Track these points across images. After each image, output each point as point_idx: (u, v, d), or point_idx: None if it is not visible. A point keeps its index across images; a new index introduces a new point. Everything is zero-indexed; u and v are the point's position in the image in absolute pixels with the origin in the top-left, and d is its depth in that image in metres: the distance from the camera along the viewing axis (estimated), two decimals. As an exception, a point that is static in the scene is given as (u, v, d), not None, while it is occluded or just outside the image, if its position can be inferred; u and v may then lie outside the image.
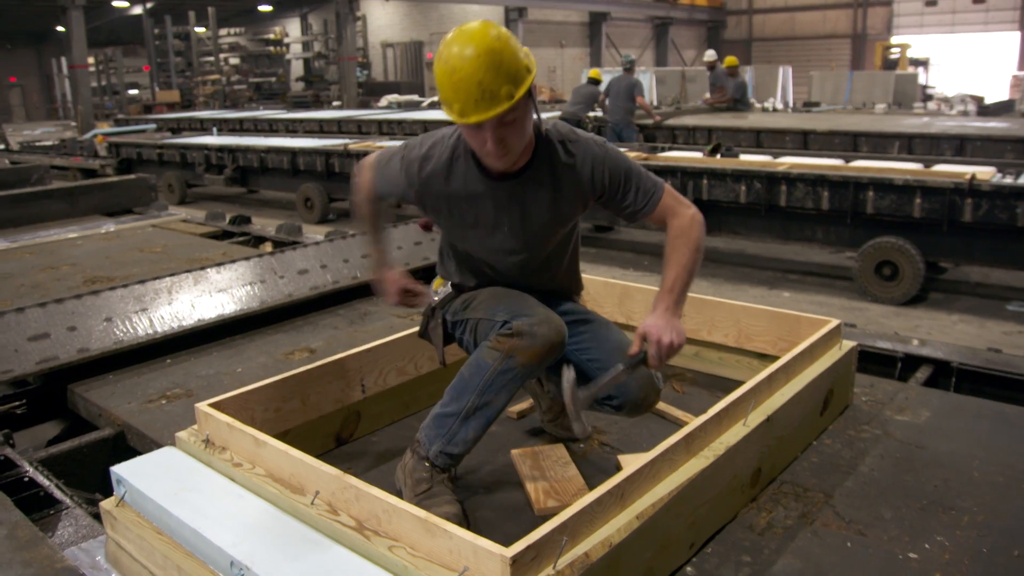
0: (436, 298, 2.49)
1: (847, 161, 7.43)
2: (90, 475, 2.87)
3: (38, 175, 8.60)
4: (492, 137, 2.04)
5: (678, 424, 2.77)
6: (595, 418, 2.80)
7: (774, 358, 2.74)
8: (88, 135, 16.06)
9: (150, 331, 3.64)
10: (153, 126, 17.78)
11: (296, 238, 5.90)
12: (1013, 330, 5.87)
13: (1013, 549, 2.02)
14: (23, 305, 3.56)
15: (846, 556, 2.02)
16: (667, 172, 7.51)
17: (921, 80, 22.72)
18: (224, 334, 3.85)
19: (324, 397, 2.68)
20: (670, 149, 8.94)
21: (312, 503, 1.96)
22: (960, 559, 1.99)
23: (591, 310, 2.56)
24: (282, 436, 2.44)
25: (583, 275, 2.66)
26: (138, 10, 29.96)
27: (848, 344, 2.84)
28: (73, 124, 23.35)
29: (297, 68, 34.42)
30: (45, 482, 2.54)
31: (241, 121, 17.24)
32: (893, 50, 28.66)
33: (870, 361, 3.42)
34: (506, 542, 1.65)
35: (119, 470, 2.22)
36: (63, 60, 28.59)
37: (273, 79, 32.13)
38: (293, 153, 10.76)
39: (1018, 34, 31.20)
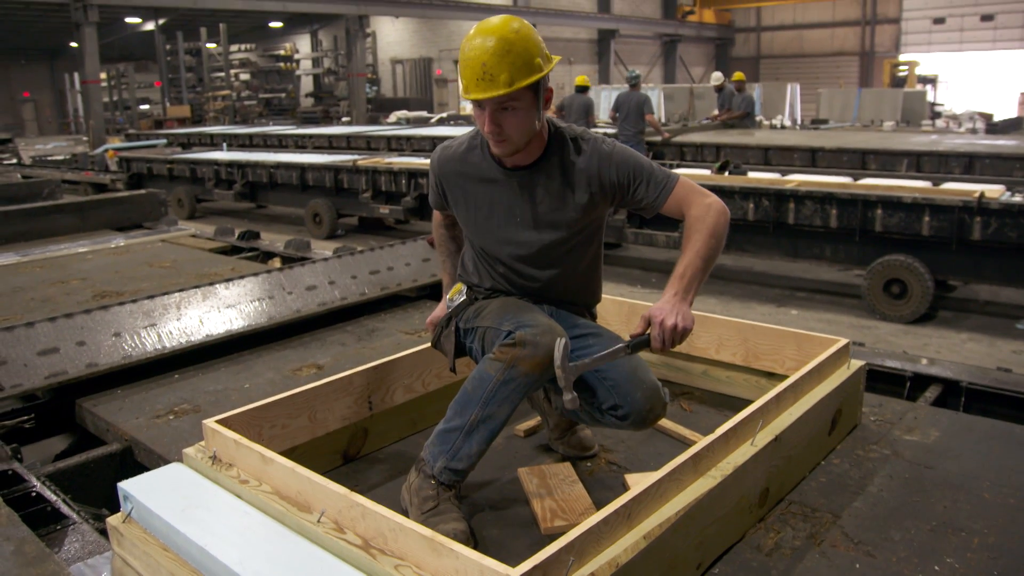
0: (452, 306, 2.50)
1: (855, 179, 7.44)
2: (97, 490, 2.87)
3: (49, 189, 8.65)
4: (489, 119, 2.18)
5: (686, 443, 2.75)
6: (602, 436, 2.80)
7: (782, 377, 2.73)
8: (99, 150, 16.17)
9: (158, 346, 3.65)
10: (164, 141, 17.90)
11: (305, 254, 5.92)
12: (1023, 349, 5.84)
13: (1024, 572, 2.00)
14: (33, 319, 3.57)
15: (855, 578, 2.00)
16: (675, 189, 7.51)
17: (929, 98, 22.73)
18: (232, 350, 3.86)
19: (331, 414, 2.68)
20: (678, 166, 8.95)
21: (318, 521, 1.96)
22: (970, 582, 1.97)
23: (602, 327, 2.56)
24: (289, 453, 2.44)
25: (608, 296, 2.68)
26: (150, 26, 30.19)
27: (857, 363, 2.83)
28: (85, 139, 23.49)
29: (307, 84, 34.64)
30: (52, 497, 2.55)
31: (251, 136, 17.34)
32: (901, 68, 28.70)
33: (879, 380, 3.41)
34: (512, 561, 1.65)
35: (126, 486, 2.22)
36: (76, 75, 28.81)
37: (283, 95, 32.31)
38: (302, 169, 10.82)
39: (1027, 52, 31.20)
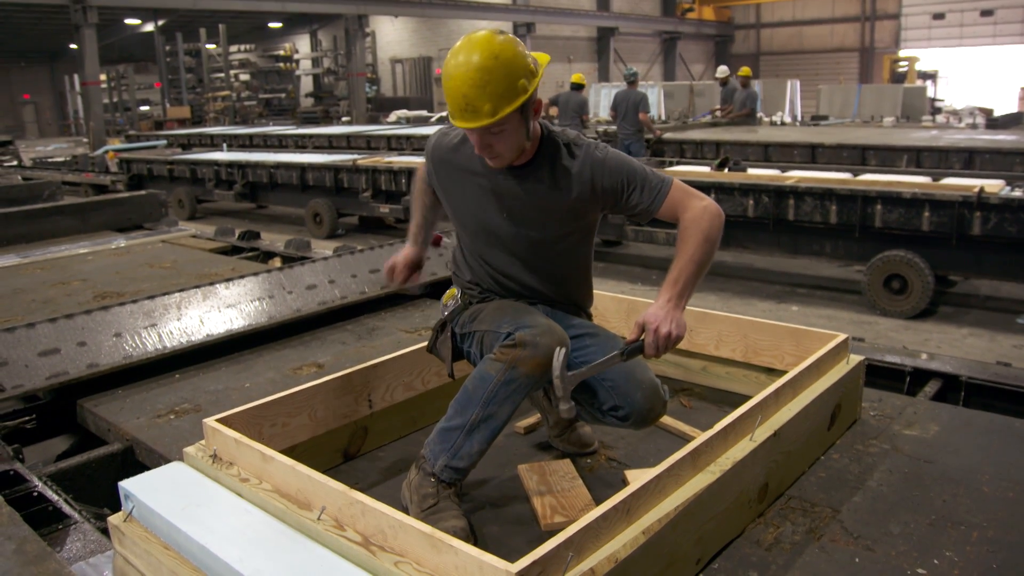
0: (446, 312, 2.51)
1: (855, 175, 7.44)
2: (99, 490, 2.87)
3: (50, 191, 8.65)
4: (478, 142, 2.19)
5: (685, 439, 2.76)
6: (602, 433, 2.80)
7: (781, 372, 2.74)
8: (99, 151, 16.19)
9: (159, 346, 3.66)
10: (164, 142, 17.91)
11: (305, 253, 5.93)
12: (1023, 344, 5.84)
13: (1023, 565, 2.01)
14: (34, 320, 3.58)
15: (854, 572, 2.01)
16: (675, 186, 7.51)
17: (929, 93, 22.69)
18: (232, 349, 3.86)
19: (331, 412, 2.68)
20: (678, 163, 8.95)
21: (319, 518, 1.97)
22: (970, 575, 1.97)
23: (598, 325, 2.57)
24: (289, 451, 2.45)
25: (604, 292, 2.68)
26: (150, 27, 30.22)
27: (856, 358, 2.83)
28: (85, 140, 23.52)
29: (307, 84, 34.65)
30: (54, 497, 2.55)
31: (251, 137, 17.35)
32: (901, 63, 28.68)
33: (878, 375, 3.41)
34: (512, 557, 1.65)
35: (127, 485, 2.23)
36: (76, 77, 28.84)
37: (283, 95, 32.32)
38: (302, 168, 10.82)
39: (1027, 47, 31.16)
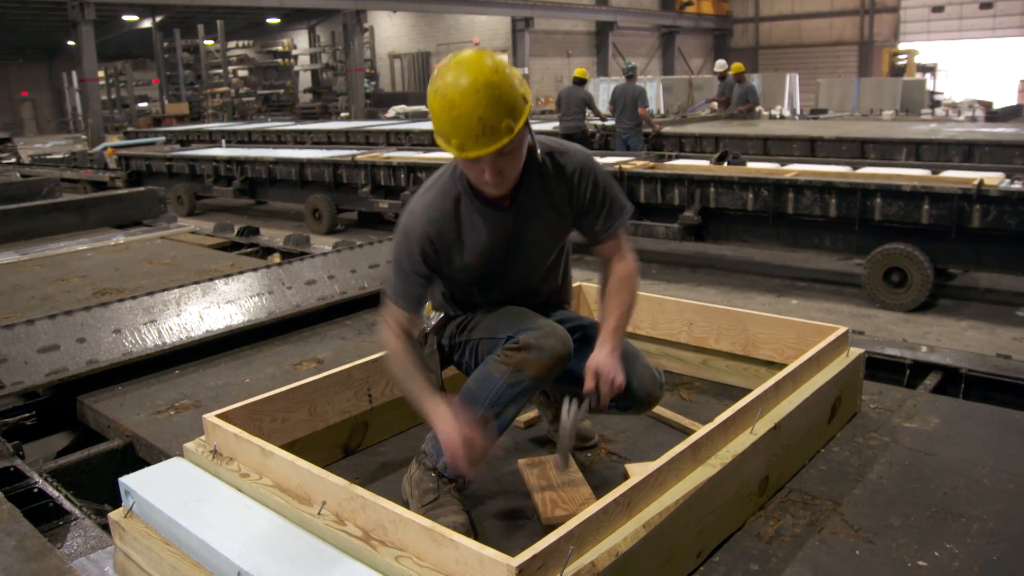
0: (430, 324, 2.47)
1: (854, 168, 7.42)
2: (99, 486, 2.87)
3: (48, 188, 8.65)
4: (491, 169, 2.04)
5: (685, 432, 2.76)
6: (602, 426, 2.81)
7: (781, 366, 2.73)
8: (98, 148, 16.17)
9: (159, 342, 3.66)
10: (162, 139, 17.89)
11: (304, 249, 5.92)
12: (1023, 336, 5.84)
13: None
14: (33, 317, 3.58)
15: (855, 564, 2.01)
16: (674, 180, 7.52)
17: (929, 86, 22.69)
18: (232, 345, 3.86)
19: (331, 407, 2.68)
20: (677, 157, 8.93)
21: (319, 513, 1.97)
22: (970, 567, 1.98)
23: (582, 315, 2.57)
24: (289, 446, 2.45)
25: (587, 283, 2.67)
26: (147, 24, 30.15)
27: (856, 351, 2.83)
28: (83, 137, 23.50)
29: (305, 80, 34.59)
30: (54, 493, 2.55)
31: (249, 133, 17.33)
32: (900, 56, 28.65)
33: (878, 368, 3.41)
34: (513, 552, 1.65)
35: (127, 481, 2.23)
36: (74, 74, 28.77)
37: (281, 91, 32.28)
38: (301, 164, 10.81)
39: (1026, 39, 31.12)
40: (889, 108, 18.06)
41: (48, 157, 19.05)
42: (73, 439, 3.43)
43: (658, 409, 2.90)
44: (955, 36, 32.27)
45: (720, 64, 14.18)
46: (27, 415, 3.33)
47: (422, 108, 24.48)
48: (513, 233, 2.25)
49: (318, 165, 10.64)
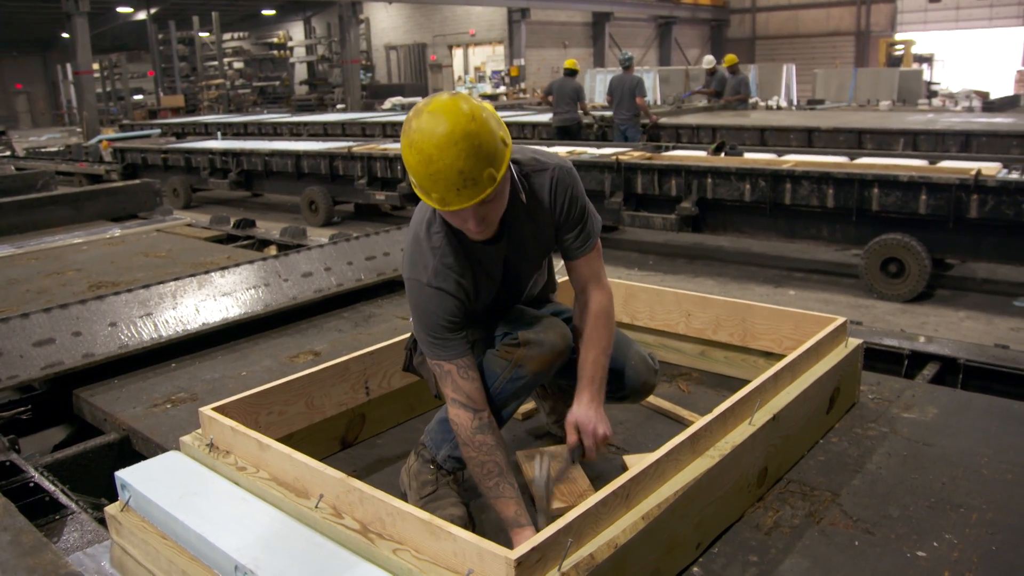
0: None
1: (852, 158, 7.40)
2: (96, 480, 2.87)
3: (44, 181, 8.60)
4: (474, 218, 1.92)
5: (684, 424, 2.76)
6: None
7: (780, 356, 2.73)
8: (93, 141, 16.10)
9: (155, 336, 3.64)
10: (158, 131, 17.81)
11: (300, 241, 5.90)
12: (1020, 326, 5.84)
13: (1023, 547, 2.00)
14: (28, 311, 3.56)
15: (854, 555, 2.01)
16: (671, 171, 7.50)
17: (926, 76, 22.64)
18: (228, 338, 3.85)
19: (328, 400, 2.67)
20: (674, 148, 8.91)
21: (316, 506, 1.96)
22: (969, 557, 1.97)
23: (561, 304, 2.55)
24: (287, 439, 2.44)
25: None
26: (142, 16, 30.01)
27: (854, 342, 2.83)
28: (78, 130, 23.43)
29: (301, 72, 34.49)
30: (51, 487, 2.54)
31: (245, 125, 17.27)
32: (897, 47, 28.58)
33: (877, 359, 3.40)
34: (511, 544, 1.65)
35: (123, 475, 2.22)
36: (68, 66, 28.65)
37: (277, 83, 32.18)
38: (297, 156, 10.77)
39: (1023, 29, 31.07)
40: (886, 98, 18.02)
41: (43, 150, 18.94)
42: (69, 433, 3.42)
43: (656, 400, 2.89)
44: (952, 26, 32.22)
45: (708, 60, 14.20)
46: (23, 409, 3.32)
47: (418, 100, 24.39)
48: (505, 260, 2.19)
49: (314, 157, 10.60)
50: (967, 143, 9.17)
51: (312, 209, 10.68)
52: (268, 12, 36.41)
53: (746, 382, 2.37)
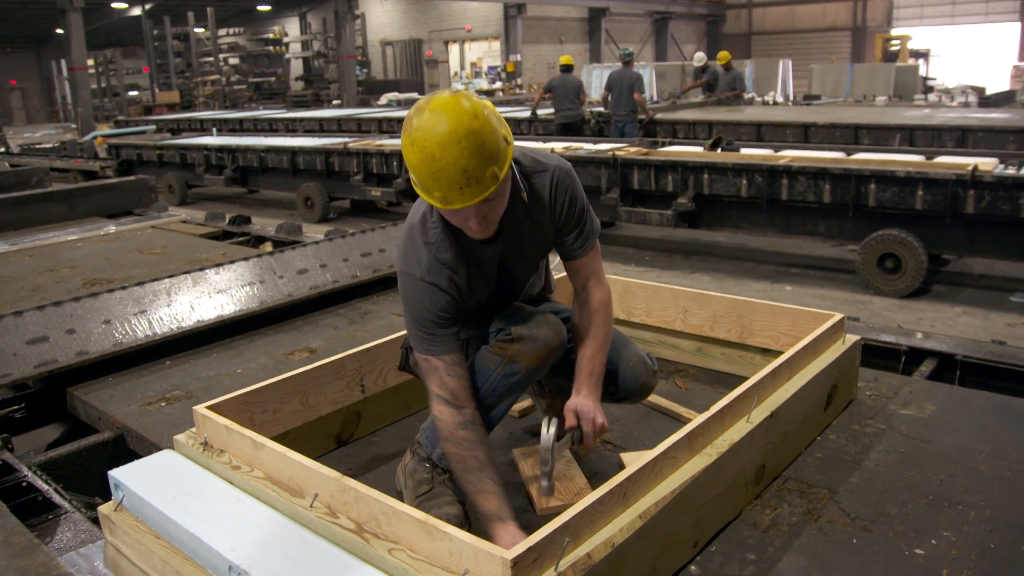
0: None
1: (848, 154, 7.39)
2: (90, 479, 2.85)
3: (38, 177, 8.58)
4: (476, 217, 1.91)
5: (681, 421, 2.75)
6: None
7: (777, 353, 2.72)
8: (88, 137, 16.04)
9: (149, 333, 3.62)
10: (153, 127, 17.76)
11: (296, 237, 5.88)
12: (1017, 321, 5.84)
13: (1021, 544, 2.00)
14: (22, 308, 3.54)
15: (852, 553, 2.00)
16: (668, 167, 7.49)
17: (922, 72, 22.66)
18: (224, 335, 3.83)
19: (324, 398, 2.66)
20: (671, 144, 8.90)
21: (311, 506, 1.94)
22: (967, 554, 1.97)
23: (560, 304, 2.54)
24: (282, 438, 2.42)
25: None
26: (137, 11, 29.93)
27: (852, 338, 2.82)
28: (73, 126, 23.35)
29: (296, 67, 34.40)
30: (44, 486, 2.52)
31: (241, 121, 17.22)
32: (893, 42, 28.58)
33: (874, 355, 3.39)
34: (492, 539, 1.63)
35: (117, 474, 2.20)
36: (63, 62, 28.58)
37: (272, 79, 32.11)
38: (293, 152, 10.74)
39: (1018, 25, 31.11)
40: (882, 94, 18.05)
41: (38, 146, 18.92)
42: (63, 431, 3.40)
43: (653, 397, 2.88)
44: (948, 21, 32.24)
45: (699, 57, 14.27)
46: (16, 407, 3.29)
47: (415, 95, 24.40)
48: (502, 259, 2.18)
49: (310, 153, 10.57)
50: (963, 139, 9.17)
51: (308, 205, 10.66)
52: (263, 7, 36.36)
53: (743, 379, 2.37)
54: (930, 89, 20.27)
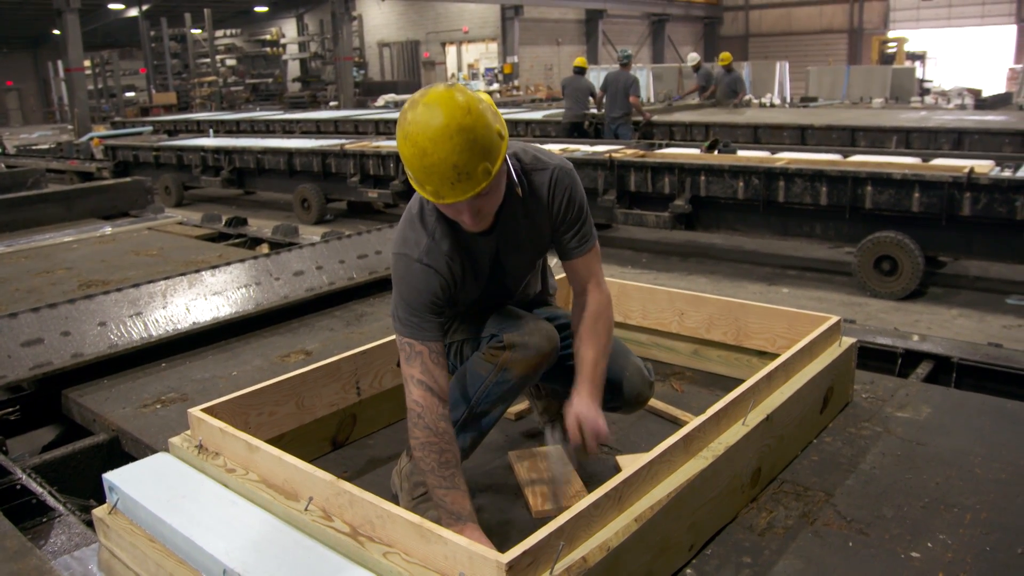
0: None
1: (845, 156, 7.40)
2: (84, 481, 2.84)
3: (34, 179, 8.56)
4: (468, 211, 1.92)
5: (677, 424, 2.74)
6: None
7: (773, 356, 2.72)
8: (84, 138, 16.00)
9: (144, 335, 3.62)
10: (149, 128, 17.72)
11: (292, 239, 5.88)
12: (1013, 324, 5.85)
13: (1017, 547, 2.00)
14: (16, 310, 3.53)
15: (848, 556, 1.99)
16: (665, 169, 7.49)
17: (918, 74, 22.65)
18: (219, 337, 3.82)
19: (319, 400, 2.65)
20: (667, 146, 8.90)
21: (306, 509, 1.94)
22: (963, 557, 1.96)
23: (561, 309, 2.53)
24: (277, 440, 2.42)
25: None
26: (134, 12, 29.88)
27: (848, 340, 2.82)
28: (69, 127, 23.29)
29: (293, 69, 34.36)
30: (38, 489, 2.52)
31: (238, 122, 17.19)
32: (890, 44, 28.63)
33: (870, 357, 3.40)
34: (503, 547, 1.63)
35: (111, 477, 2.20)
36: (59, 63, 28.50)
37: (270, 80, 32.06)
38: (290, 154, 10.73)
39: (1015, 27, 31.18)
40: (879, 96, 18.05)
41: (34, 147, 18.87)
42: (58, 434, 3.39)
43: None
44: (944, 24, 32.30)
45: (692, 57, 14.32)
46: (11, 410, 3.29)
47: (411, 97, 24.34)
48: (496, 254, 2.17)
49: (307, 155, 10.56)
50: (960, 141, 9.17)
51: (304, 207, 10.64)
52: (261, 9, 36.32)
53: (740, 381, 2.36)
54: (926, 91, 20.28)
